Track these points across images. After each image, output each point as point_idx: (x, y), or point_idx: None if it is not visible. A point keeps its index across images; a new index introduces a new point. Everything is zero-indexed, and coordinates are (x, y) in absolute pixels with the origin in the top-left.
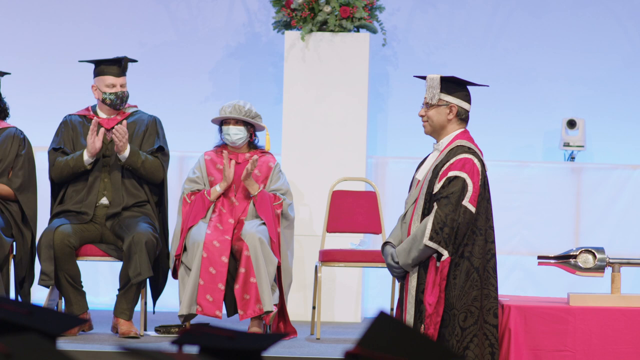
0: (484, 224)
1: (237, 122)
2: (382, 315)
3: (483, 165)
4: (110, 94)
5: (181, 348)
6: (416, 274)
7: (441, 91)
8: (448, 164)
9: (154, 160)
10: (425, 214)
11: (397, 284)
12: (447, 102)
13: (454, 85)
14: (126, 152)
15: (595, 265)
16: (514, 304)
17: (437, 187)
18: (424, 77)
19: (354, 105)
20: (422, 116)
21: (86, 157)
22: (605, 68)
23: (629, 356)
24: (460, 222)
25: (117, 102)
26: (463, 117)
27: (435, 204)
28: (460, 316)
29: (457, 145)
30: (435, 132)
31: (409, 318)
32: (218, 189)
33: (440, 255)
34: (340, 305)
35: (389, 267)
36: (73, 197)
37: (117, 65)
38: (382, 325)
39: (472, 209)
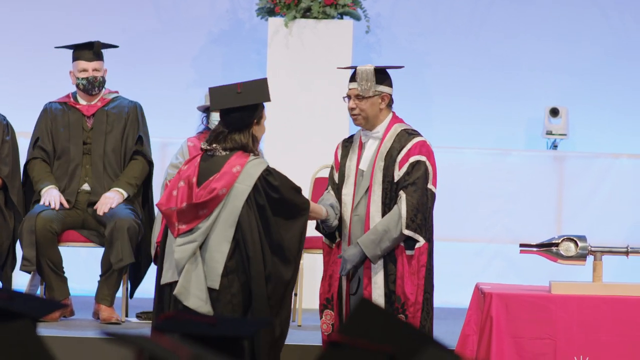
0: None
1: None
2: (364, 302)
3: None
4: (83, 79)
5: (162, 334)
6: (381, 265)
7: (376, 82)
8: (405, 149)
9: (137, 169)
10: (386, 203)
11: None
12: (380, 92)
13: (382, 74)
14: (122, 197)
15: (577, 254)
16: (495, 292)
17: (400, 174)
18: (345, 68)
19: (337, 92)
20: (352, 109)
21: (43, 190)
22: (588, 57)
23: (610, 344)
24: (429, 206)
25: (89, 87)
26: (390, 103)
27: (402, 191)
28: (430, 299)
29: (402, 130)
30: (369, 122)
31: None
32: None
33: (410, 242)
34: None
35: (349, 259)
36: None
37: (89, 50)
38: (364, 313)
39: (435, 190)
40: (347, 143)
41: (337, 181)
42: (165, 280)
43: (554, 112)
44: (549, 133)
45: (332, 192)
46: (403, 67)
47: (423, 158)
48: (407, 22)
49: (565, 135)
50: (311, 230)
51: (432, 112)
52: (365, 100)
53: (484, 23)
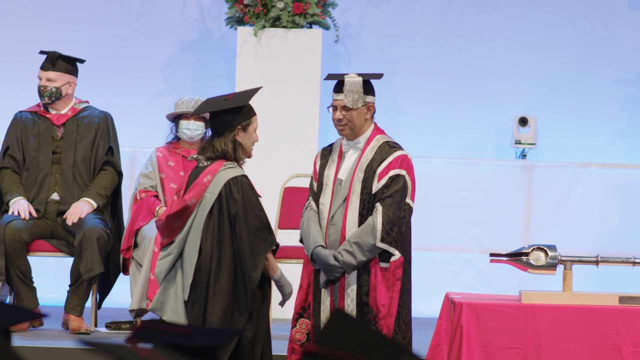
0: None
1: (197, 117)
2: (338, 313)
3: None
4: (39, 86)
5: (136, 345)
6: (355, 276)
7: (363, 93)
8: (385, 162)
9: (107, 180)
10: (363, 214)
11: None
12: (366, 102)
13: (368, 85)
14: (91, 207)
15: (547, 263)
16: (466, 302)
17: (378, 186)
18: (335, 77)
19: (307, 101)
20: (339, 120)
21: (11, 201)
22: (557, 66)
23: (580, 353)
24: (406, 220)
25: (39, 96)
26: (374, 112)
27: (378, 204)
28: (403, 312)
29: (384, 142)
30: (354, 133)
31: None
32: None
33: (385, 255)
34: (291, 301)
35: (331, 269)
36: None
37: (47, 59)
38: (338, 323)
39: (412, 205)
40: (327, 152)
41: (316, 190)
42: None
43: (523, 121)
44: (518, 142)
45: (314, 208)
46: (382, 75)
47: (403, 172)
48: (375, 31)
49: (534, 144)
50: (281, 240)
51: (401, 120)
52: (353, 111)
53: (452, 32)
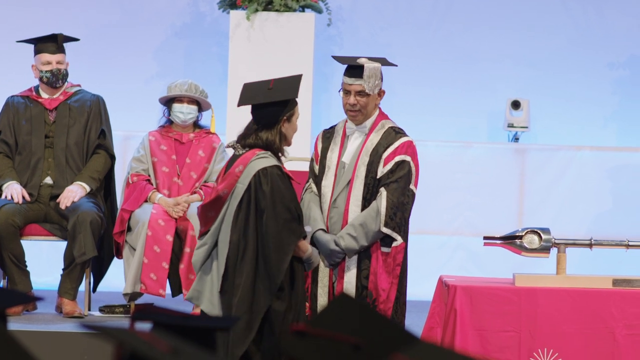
0: None
1: (191, 101)
2: (343, 297)
3: None
4: (47, 71)
5: (134, 326)
6: (355, 260)
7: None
8: (391, 147)
9: (100, 163)
10: (367, 198)
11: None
12: (380, 88)
13: (381, 71)
14: (85, 191)
15: (540, 246)
16: (459, 285)
17: (383, 171)
18: (344, 61)
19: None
20: (353, 105)
21: (4, 185)
22: (549, 49)
23: (574, 336)
24: (409, 206)
25: (53, 80)
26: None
27: (383, 188)
28: (401, 298)
29: (389, 127)
30: (365, 118)
31: None
32: (157, 199)
33: (386, 240)
34: None
35: (332, 253)
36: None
37: (53, 42)
38: (340, 307)
39: (415, 191)
40: (328, 134)
41: (317, 173)
42: None
43: (516, 104)
44: (511, 125)
45: (314, 191)
46: (397, 65)
47: (408, 158)
48: (368, 14)
49: (526, 127)
50: None
51: (394, 104)
52: (368, 97)
53: (445, 15)
